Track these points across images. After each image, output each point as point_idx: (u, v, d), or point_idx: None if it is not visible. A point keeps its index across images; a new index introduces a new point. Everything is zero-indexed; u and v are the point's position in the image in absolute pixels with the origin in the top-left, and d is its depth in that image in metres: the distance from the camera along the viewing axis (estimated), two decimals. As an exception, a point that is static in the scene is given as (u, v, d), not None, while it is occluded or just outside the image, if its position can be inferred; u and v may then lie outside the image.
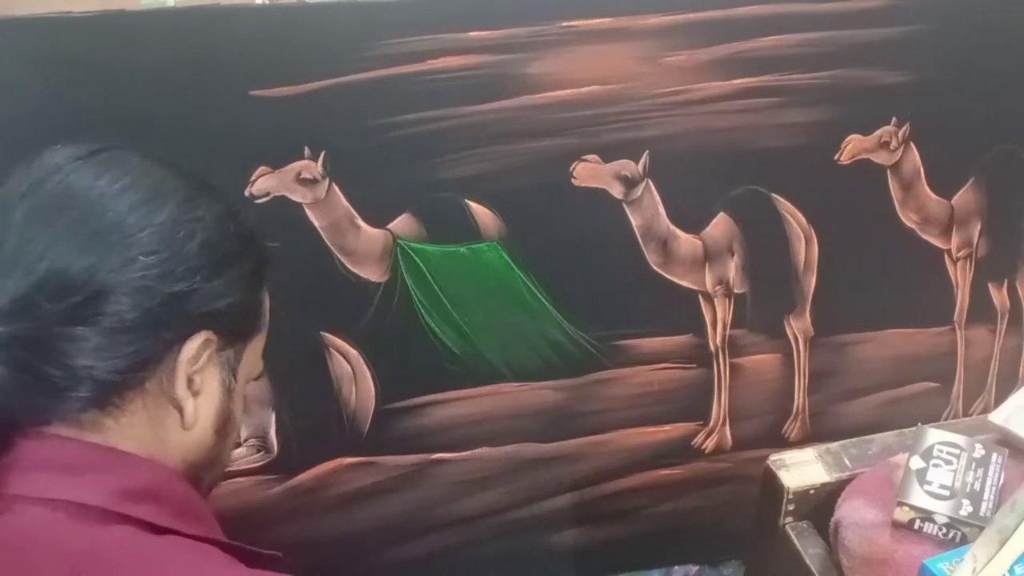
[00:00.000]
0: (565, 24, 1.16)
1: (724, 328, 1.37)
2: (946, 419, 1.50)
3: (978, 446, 1.08)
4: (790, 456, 1.17)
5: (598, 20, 1.17)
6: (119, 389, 0.72)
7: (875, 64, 1.27)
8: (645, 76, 1.21)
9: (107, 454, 0.72)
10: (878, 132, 1.31)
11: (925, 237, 1.39)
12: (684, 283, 1.33)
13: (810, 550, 1.12)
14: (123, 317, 0.70)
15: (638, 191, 1.26)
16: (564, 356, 1.32)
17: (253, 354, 0.86)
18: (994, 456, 1.07)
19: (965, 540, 1.00)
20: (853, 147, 1.31)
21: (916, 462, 1.06)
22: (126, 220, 0.72)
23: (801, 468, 1.16)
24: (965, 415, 1.50)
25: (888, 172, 1.33)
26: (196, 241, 0.74)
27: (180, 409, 0.76)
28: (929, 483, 1.04)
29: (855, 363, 1.43)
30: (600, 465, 1.40)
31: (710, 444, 1.43)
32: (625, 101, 1.21)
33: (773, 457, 1.17)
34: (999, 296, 1.46)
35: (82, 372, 0.69)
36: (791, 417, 1.44)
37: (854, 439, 1.20)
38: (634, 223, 1.27)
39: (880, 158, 1.32)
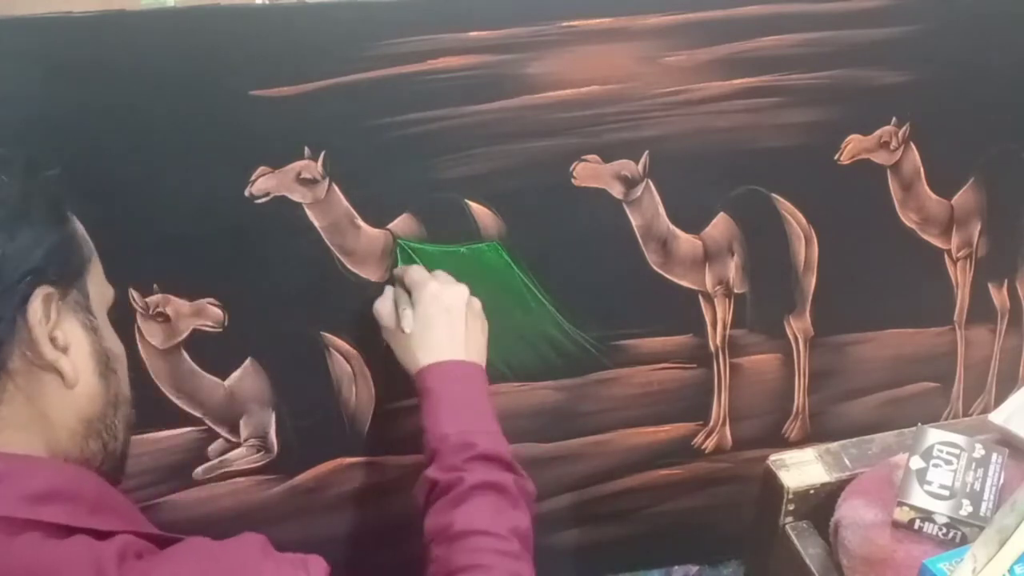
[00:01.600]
0: (565, 24, 1.16)
1: (724, 328, 1.37)
2: (946, 419, 1.49)
3: (978, 446, 1.08)
4: (790, 456, 1.17)
5: (598, 20, 1.17)
6: None
7: (875, 64, 1.27)
8: (645, 76, 1.21)
9: (6, 460, 0.71)
10: (878, 132, 1.31)
11: (925, 237, 1.38)
12: (684, 283, 1.33)
13: (810, 550, 1.12)
14: None
15: (638, 191, 1.26)
16: (564, 356, 1.32)
17: (97, 283, 0.84)
18: (994, 456, 1.07)
19: (965, 540, 1.00)
20: (853, 147, 1.31)
21: (916, 462, 1.06)
22: None
23: (801, 468, 1.16)
24: (965, 415, 1.50)
25: (888, 172, 1.33)
26: None
27: (58, 370, 0.74)
28: (929, 483, 1.04)
29: (855, 363, 1.43)
30: (600, 465, 1.40)
31: (710, 444, 1.43)
32: (625, 101, 1.21)
33: (773, 457, 1.17)
34: (999, 296, 1.46)
35: None
36: (791, 417, 1.44)
37: (854, 439, 1.21)
38: (634, 223, 1.27)
39: (880, 158, 1.32)
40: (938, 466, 1.06)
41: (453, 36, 1.13)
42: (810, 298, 1.38)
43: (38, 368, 0.73)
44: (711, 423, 1.42)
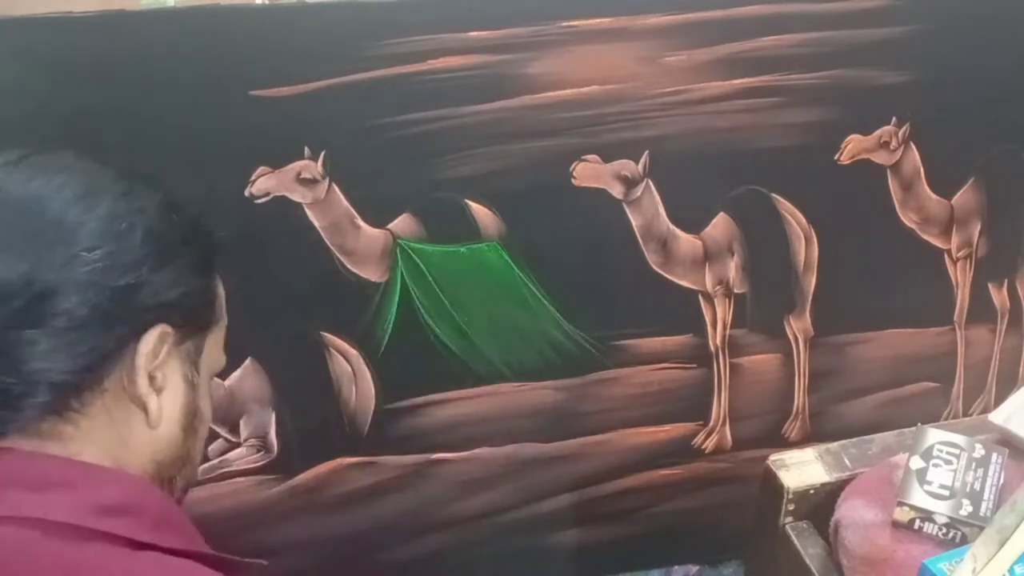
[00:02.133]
0: (565, 24, 1.16)
1: (724, 328, 1.37)
2: (946, 419, 1.49)
3: (978, 446, 1.08)
4: (790, 456, 1.17)
5: (598, 20, 1.17)
6: (76, 392, 0.71)
7: (875, 64, 1.27)
8: (645, 76, 1.21)
9: (77, 468, 0.71)
10: (878, 132, 1.31)
11: (925, 237, 1.39)
12: (684, 283, 1.33)
13: (810, 550, 1.12)
14: (72, 315, 0.69)
15: (638, 191, 1.26)
16: (564, 356, 1.32)
17: (214, 346, 0.85)
18: (994, 456, 1.07)
19: (965, 540, 1.00)
20: (853, 147, 1.31)
21: (916, 462, 1.06)
22: (64, 218, 0.70)
23: (801, 468, 1.16)
24: (965, 415, 1.50)
25: (888, 172, 1.33)
26: (139, 232, 0.73)
27: (144, 406, 0.74)
28: (929, 483, 1.04)
29: (855, 363, 1.43)
30: (600, 465, 1.40)
31: (710, 444, 1.43)
32: (625, 101, 1.21)
33: (773, 457, 1.17)
34: (999, 296, 1.46)
35: (37, 376, 0.68)
36: (791, 417, 1.44)
37: (854, 439, 1.20)
38: (634, 223, 1.27)
39: (880, 158, 1.32)
40: (938, 466, 1.06)
41: (453, 36, 1.13)
42: (810, 298, 1.38)
43: (129, 398, 0.74)
44: (711, 423, 1.42)
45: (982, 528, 0.97)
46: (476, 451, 1.34)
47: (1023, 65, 1.32)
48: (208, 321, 0.83)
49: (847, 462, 1.16)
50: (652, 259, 1.30)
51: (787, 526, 1.15)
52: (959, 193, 1.38)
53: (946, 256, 1.41)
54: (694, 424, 1.41)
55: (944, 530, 1.02)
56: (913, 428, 1.12)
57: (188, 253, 0.78)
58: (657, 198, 1.27)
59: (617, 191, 1.25)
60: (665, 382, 1.37)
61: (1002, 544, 0.93)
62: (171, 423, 0.78)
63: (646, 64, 1.20)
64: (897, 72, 1.28)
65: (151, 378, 0.74)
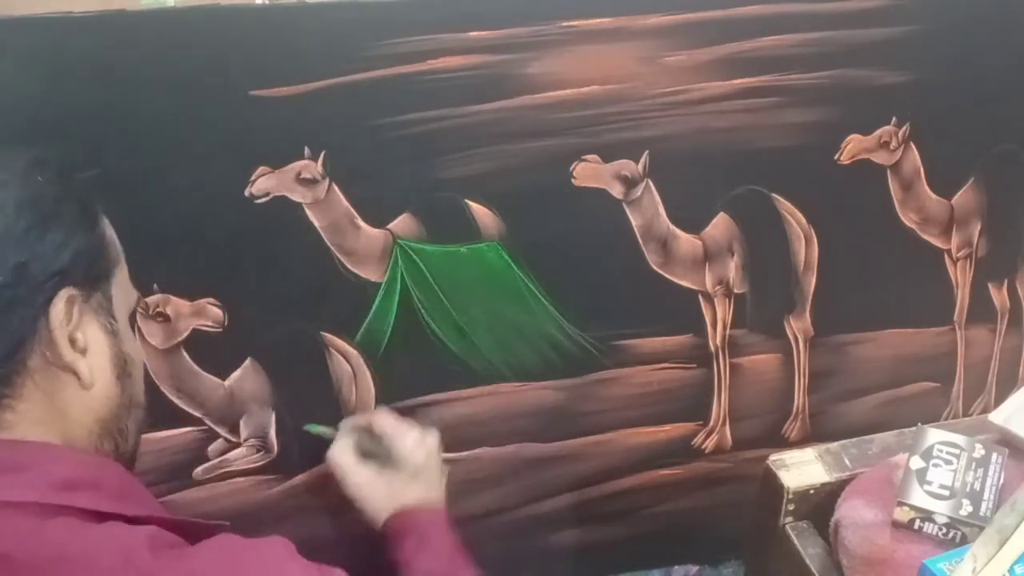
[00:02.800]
0: (565, 24, 1.16)
1: (724, 328, 1.37)
2: (946, 419, 1.49)
3: (978, 446, 1.08)
4: (790, 456, 1.17)
5: (598, 20, 1.17)
6: (3, 381, 0.71)
7: (875, 64, 1.27)
8: (645, 76, 1.21)
9: (26, 449, 0.72)
10: (878, 132, 1.31)
11: (925, 237, 1.39)
12: (684, 283, 1.33)
13: (810, 550, 1.12)
14: None
15: (638, 191, 1.26)
16: (564, 356, 1.32)
17: (122, 287, 0.84)
18: (994, 456, 1.07)
19: (965, 540, 1.00)
20: (853, 147, 1.31)
21: (916, 462, 1.06)
22: None
23: (801, 468, 1.16)
24: (965, 415, 1.50)
25: (888, 172, 1.33)
26: (9, 208, 0.72)
27: (75, 371, 0.75)
28: (929, 483, 1.04)
29: (855, 363, 1.43)
30: (600, 465, 1.40)
31: (710, 444, 1.43)
32: (625, 101, 1.21)
33: (773, 457, 1.17)
34: (999, 296, 1.46)
35: None
36: (791, 417, 1.44)
37: (854, 439, 1.21)
38: (634, 223, 1.27)
39: (880, 158, 1.32)
40: (938, 466, 1.06)
41: (453, 36, 1.13)
42: (810, 298, 1.38)
43: (57, 368, 0.74)
44: (711, 423, 1.42)
45: (982, 528, 0.97)
46: (476, 451, 1.34)
47: (1023, 65, 1.32)
48: (108, 268, 0.82)
49: (847, 462, 1.17)
50: (652, 259, 1.30)
51: (787, 526, 1.16)
52: (959, 193, 1.38)
53: (946, 256, 1.41)
54: (694, 424, 1.41)
55: (944, 530, 1.02)
56: (913, 428, 1.12)
57: (66, 211, 0.76)
58: (657, 198, 1.27)
59: (617, 191, 1.25)
60: (665, 382, 1.37)
61: (1002, 544, 0.92)
62: (104, 378, 0.78)
63: (646, 64, 1.20)
64: (897, 72, 1.28)
65: (72, 342, 0.74)
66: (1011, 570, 0.91)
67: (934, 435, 1.10)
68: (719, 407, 1.41)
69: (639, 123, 1.23)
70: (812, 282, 1.37)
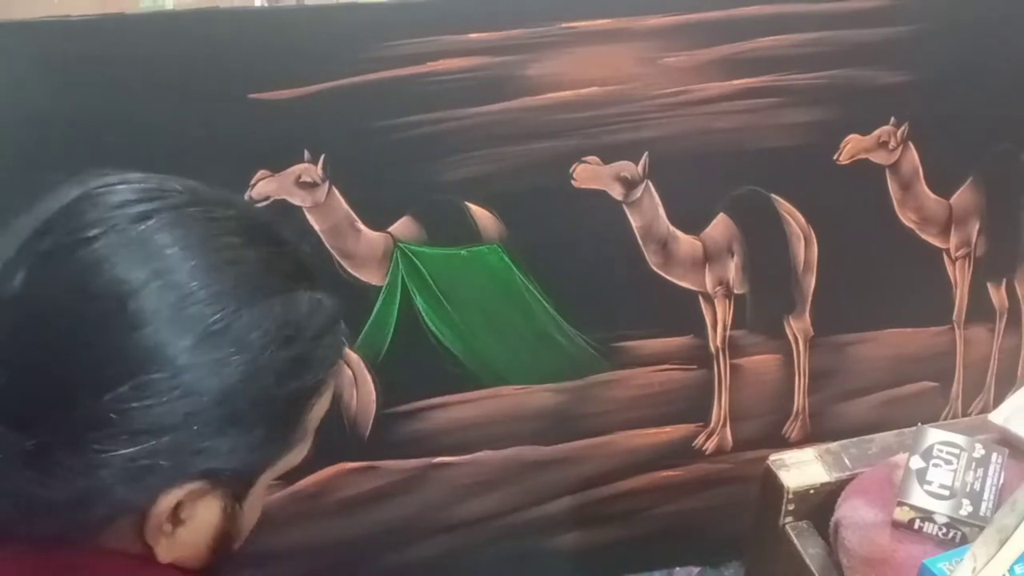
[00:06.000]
0: (565, 25, 1.16)
1: (724, 329, 1.36)
2: (945, 418, 1.49)
3: (978, 446, 1.08)
4: (790, 456, 1.17)
5: (598, 21, 1.17)
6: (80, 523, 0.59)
7: (875, 64, 1.27)
8: (645, 77, 1.21)
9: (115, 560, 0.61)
10: (877, 132, 1.31)
11: (924, 236, 1.39)
12: (684, 284, 1.33)
13: (810, 550, 1.11)
14: (71, 468, 0.55)
15: (638, 192, 1.26)
16: (564, 358, 1.32)
17: (275, 473, 0.68)
18: (994, 456, 1.07)
19: (965, 540, 1.00)
20: (852, 147, 1.31)
21: (916, 462, 1.06)
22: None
23: (801, 468, 1.15)
24: (964, 414, 1.50)
25: (887, 172, 1.34)
26: (200, 398, 0.57)
27: (151, 546, 0.61)
28: (929, 483, 1.03)
29: (855, 363, 1.44)
30: (601, 467, 1.40)
31: (711, 445, 1.43)
32: (625, 102, 1.21)
33: (773, 457, 1.17)
34: (998, 295, 1.46)
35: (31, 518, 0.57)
36: (791, 417, 1.44)
37: (854, 439, 1.20)
38: (634, 224, 1.27)
39: (879, 158, 1.32)
40: (938, 466, 1.05)
41: (453, 38, 1.13)
42: (810, 298, 1.38)
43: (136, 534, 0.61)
44: (712, 424, 1.41)
45: (982, 528, 0.97)
46: (477, 455, 1.34)
47: (1023, 65, 1.33)
48: (275, 460, 0.66)
49: (847, 462, 1.16)
50: (652, 260, 1.30)
51: (787, 526, 1.15)
52: (957, 193, 1.38)
53: (945, 256, 1.41)
54: (695, 425, 1.41)
55: (944, 530, 1.01)
56: (913, 428, 1.12)
57: (270, 413, 0.61)
58: (657, 199, 1.27)
59: (617, 192, 1.25)
60: (666, 383, 1.37)
61: (1002, 544, 0.92)
62: (193, 546, 0.64)
63: (646, 65, 1.20)
64: (896, 72, 1.28)
65: (175, 512, 0.60)
66: (1011, 570, 0.90)
67: (934, 435, 1.09)
68: (720, 408, 1.41)
69: (639, 124, 1.23)
70: (812, 282, 1.37)
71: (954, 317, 1.45)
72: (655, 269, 1.30)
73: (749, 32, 1.22)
